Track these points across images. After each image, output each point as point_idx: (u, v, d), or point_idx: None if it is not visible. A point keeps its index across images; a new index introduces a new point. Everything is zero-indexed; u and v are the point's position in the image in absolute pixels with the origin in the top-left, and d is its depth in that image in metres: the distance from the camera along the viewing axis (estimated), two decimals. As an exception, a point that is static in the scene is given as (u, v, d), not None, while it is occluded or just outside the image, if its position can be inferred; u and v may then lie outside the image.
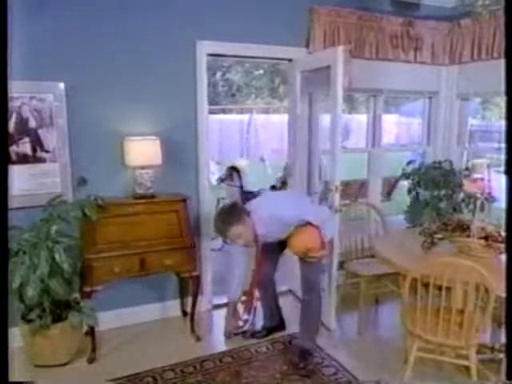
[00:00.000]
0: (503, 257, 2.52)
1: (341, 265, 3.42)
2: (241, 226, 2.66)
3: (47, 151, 2.99)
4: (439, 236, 2.89)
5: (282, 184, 5.79)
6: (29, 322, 2.72)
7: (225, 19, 3.32)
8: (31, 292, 2.55)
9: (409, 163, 4.23)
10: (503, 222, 1.84)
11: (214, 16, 3.29)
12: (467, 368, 2.39)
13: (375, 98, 4.21)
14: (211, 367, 2.83)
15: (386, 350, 2.99)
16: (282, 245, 2.93)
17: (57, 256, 2.60)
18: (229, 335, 3.19)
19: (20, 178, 2.90)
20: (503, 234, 2.57)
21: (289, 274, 3.80)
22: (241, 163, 7.68)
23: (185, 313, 3.51)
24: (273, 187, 6.29)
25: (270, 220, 2.71)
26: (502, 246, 2.54)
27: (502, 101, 4.80)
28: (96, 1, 2.98)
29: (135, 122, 3.18)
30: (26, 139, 2.92)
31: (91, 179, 3.07)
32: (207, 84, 3.43)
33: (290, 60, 3.72)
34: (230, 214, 2.70)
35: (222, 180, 6.51)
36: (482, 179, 2.92)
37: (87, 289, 2.82)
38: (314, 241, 2.72)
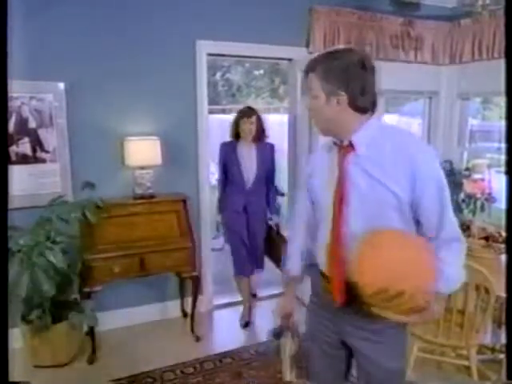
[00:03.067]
0: (503, 257, 2.52)
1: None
2: None
3: (47, 151, 2.99)
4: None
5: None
6: (29, 322, 2.72)
7: (225, 19, 3.32)
8: (30, 292, 2.54)
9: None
10: (503, 222, 1.83)
11: (214, 16, 3.29)
12: (468, 368, 2.39)
13: (375, 98, 4.19)
14: (211, 368, 2.83)
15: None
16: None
17: (56, 256, 2.60)
18: None
19: (20, 178, 2.90)
20: (503, 234, 2.58)
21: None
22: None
23: (185, 313, 3.50)
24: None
25: None
26: (503, 246, 2.54)
27: (502, 101, 4.79)
28: (96, 1, 2.98)
29: (135, 122, 3.18)
30: (26, 139, 2.92)
31: (91, 179, 3.06)
32: (207, 84, 3.42)
33: (290, 60, 3.72)
34: None
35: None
36: (483, 179, 2.92)
37: (87, 289, 2.82)
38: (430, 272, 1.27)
